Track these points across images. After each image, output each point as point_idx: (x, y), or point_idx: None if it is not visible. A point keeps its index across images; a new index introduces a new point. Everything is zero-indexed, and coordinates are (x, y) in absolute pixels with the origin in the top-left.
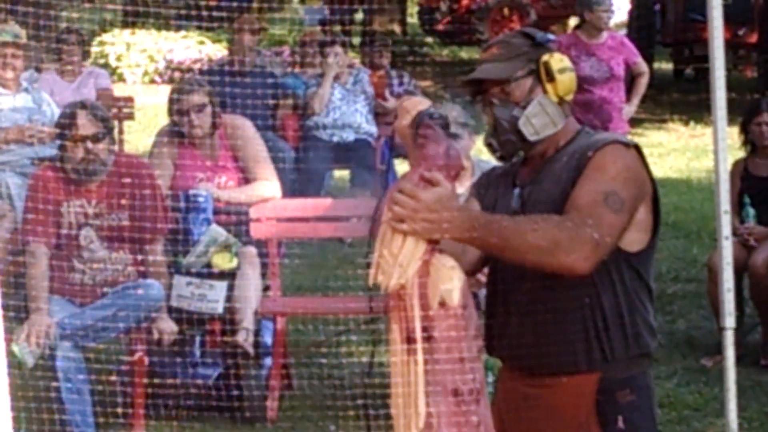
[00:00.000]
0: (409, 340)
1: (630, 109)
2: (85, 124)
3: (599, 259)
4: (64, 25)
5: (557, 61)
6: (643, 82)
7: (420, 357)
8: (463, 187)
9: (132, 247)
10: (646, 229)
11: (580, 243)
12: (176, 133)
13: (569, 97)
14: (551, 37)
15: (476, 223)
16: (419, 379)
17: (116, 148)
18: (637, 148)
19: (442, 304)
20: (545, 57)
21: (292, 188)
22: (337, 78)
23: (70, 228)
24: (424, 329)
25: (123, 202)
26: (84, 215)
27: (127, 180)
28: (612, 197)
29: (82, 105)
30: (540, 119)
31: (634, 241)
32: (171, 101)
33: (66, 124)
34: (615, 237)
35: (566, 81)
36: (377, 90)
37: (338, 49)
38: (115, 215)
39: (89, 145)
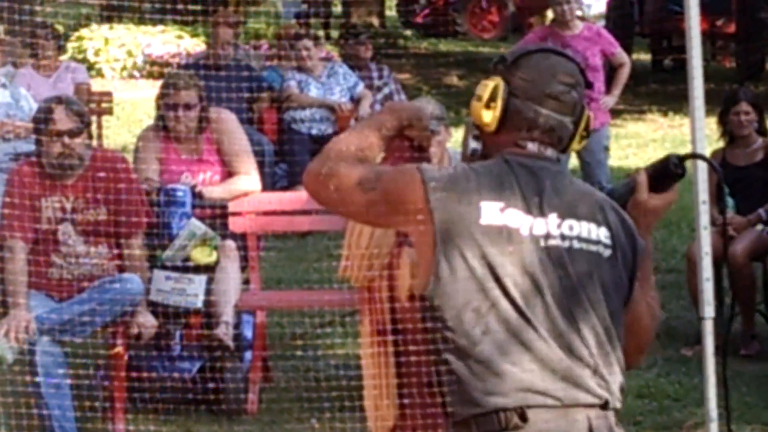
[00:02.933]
0: (380, 333)
1: (611, 100)
2: (62, 119)
3: (320, 187)
4: (40, 20)
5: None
6: (623, 73)
7: (391, 350)
8: None
9: (111, 241)
10: (424, 262)
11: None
12: (161, 129)
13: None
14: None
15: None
16: (391, 371)
17: (94, 143)
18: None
19: (412, 297)
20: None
21: (273, 182)
22: (311, 71)
23: (49, 223)
24: (395, 322)
25: (100, 197)
26: (62, 210)
27: (104, 174)
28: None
29: (59, 100)
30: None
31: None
32: (162, 92)
33: (42, 119)
34: (342, 181)
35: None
36: (341, 124)
37: (308, 43)
38: (93, 210)
39: (66, 140)
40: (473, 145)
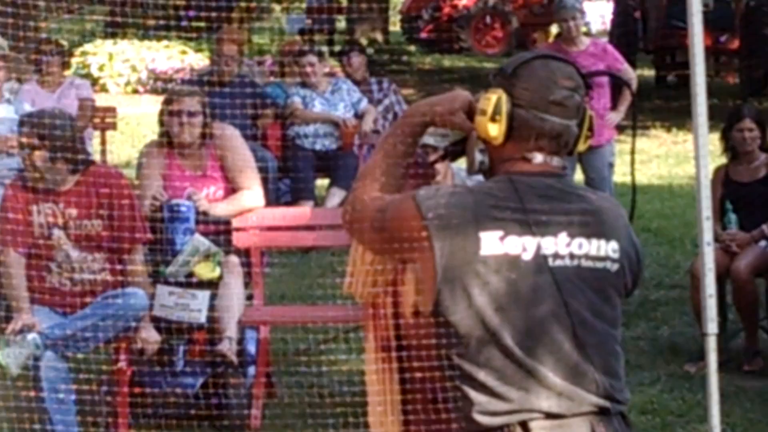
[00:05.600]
0: (384, 349)
1: (617, 116)
2: (25, 136)
3: (350, 231)
4: (44, 35)
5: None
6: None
7: (395, 366)
8: None
9: (108, 256)
10: (427, 290)
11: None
12: (164, 145)
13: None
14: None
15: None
16: (395, 387)
17: (97, 157)
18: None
19: (416, 313)
20: None
21: (277, 197)
22: (315, 87)
23: (42, 230)
24: (399, 338)
25: (93, 211)
26: (53, 216)
27: (100, 189)
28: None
29: (28, 119)
30: None
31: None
32: (165, 103)
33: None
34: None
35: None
36: (345, 140)
37: (313, 59)
38: (87, 222)
39: (27, 159)
40: (479, 158)
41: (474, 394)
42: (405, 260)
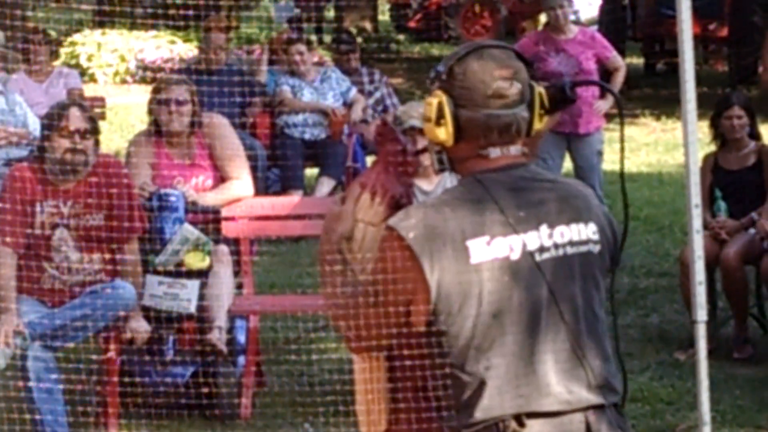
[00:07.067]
0: None
1: (605, 105)
2: (75, 119)
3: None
4: (32, 25)
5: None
6: (618, 77)
7: (383, 354)
8: (431, 184)
9: (106, 247)
10: (420, 311)
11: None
12: (152, 134)
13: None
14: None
15: None
16: (383, 376)
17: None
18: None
19: None
20: None
21: (266, 186)
22: (304, 76)
23: (42, 228)
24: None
25: (99, 201)
26: (59, 215)
27: (104, 180)
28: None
29: (75, 102)
30: None
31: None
32: (154, 92)
33: (56, 115)
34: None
35: None
36: (334, 129)
37: (302, 47)
38: (91, 215)
39: (77, 138)
40: (439, 158)
41: (473, 398)
42: (409, 298)
